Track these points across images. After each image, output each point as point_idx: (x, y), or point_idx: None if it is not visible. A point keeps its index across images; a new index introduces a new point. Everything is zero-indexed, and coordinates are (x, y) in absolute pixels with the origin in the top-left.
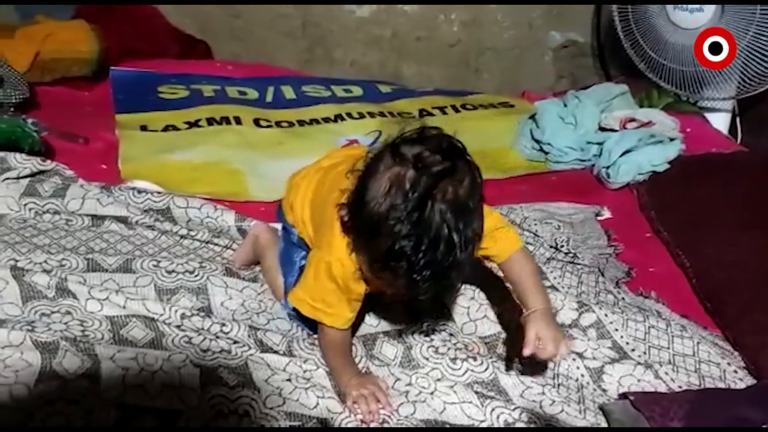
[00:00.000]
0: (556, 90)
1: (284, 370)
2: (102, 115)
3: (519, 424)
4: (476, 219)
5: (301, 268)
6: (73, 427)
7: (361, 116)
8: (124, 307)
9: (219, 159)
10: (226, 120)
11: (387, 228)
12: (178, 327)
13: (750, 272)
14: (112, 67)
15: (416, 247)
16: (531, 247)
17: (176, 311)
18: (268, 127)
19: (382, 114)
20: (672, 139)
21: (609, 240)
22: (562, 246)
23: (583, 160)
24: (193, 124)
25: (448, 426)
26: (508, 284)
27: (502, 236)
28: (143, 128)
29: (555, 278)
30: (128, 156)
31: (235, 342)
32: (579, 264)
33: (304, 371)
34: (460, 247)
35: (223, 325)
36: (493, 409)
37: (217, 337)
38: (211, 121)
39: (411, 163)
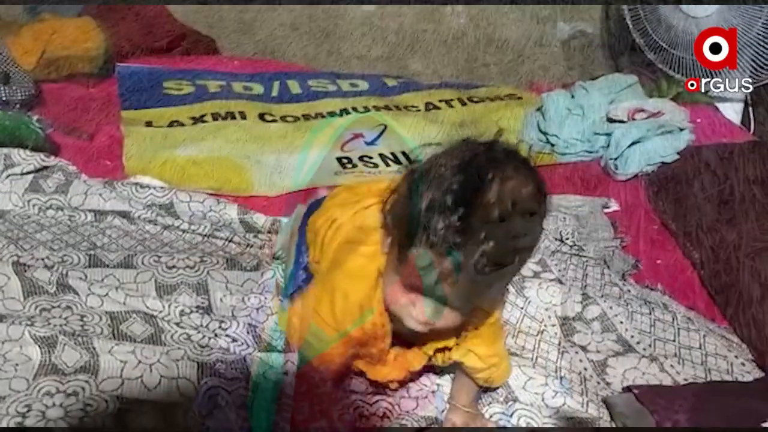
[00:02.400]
0: (565, 82)
1: (282, 367)
2: (108, 112)
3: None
4: (534, 227)
5: (299, 288)
6: (72, 428)
7: (367, 110)
8: (124, 304)
9: (223, 154)
10: (231, 115)
11: (432, 183)
12: (177, 324)
13: (759, 264)
14: (118, 63)
15: (455, 203)
16: None
17: (176, 308)
18: (273, 121)
19: (387, 108)
20: (681, 129)
21: (615, 232)
22: (567, 238)
23: (591, 152)
24: (198, 120)
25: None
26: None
27: (504, 366)
28: (148, 124)
29: (559, 271)
30: (132, 152)
31: (234, 340)
32: (584, 256)
33: None
34: (509, 223)
35: (222, 322)
36: (491, 416)
37: (216, 336)
38: (216, 117)
39: (483, 149)
